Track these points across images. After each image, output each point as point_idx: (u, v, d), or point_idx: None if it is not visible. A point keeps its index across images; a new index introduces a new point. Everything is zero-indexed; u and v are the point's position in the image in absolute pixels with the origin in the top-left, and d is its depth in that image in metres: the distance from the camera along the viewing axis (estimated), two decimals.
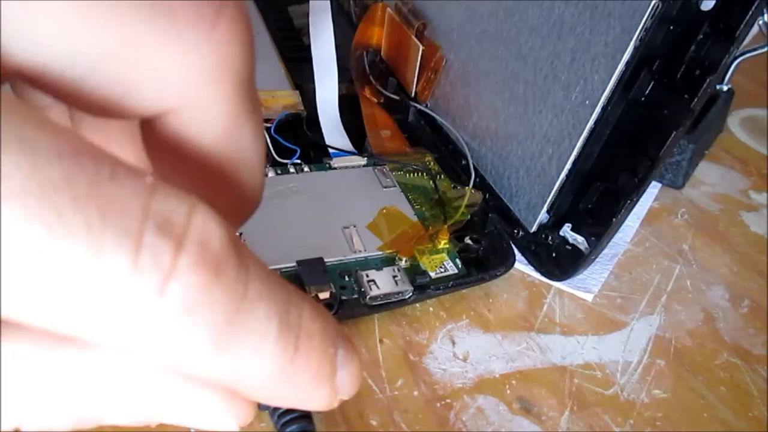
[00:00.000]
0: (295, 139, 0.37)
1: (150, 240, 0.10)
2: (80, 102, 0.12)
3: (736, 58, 0.44)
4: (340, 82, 0.42)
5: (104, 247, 0.10)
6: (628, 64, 0.28)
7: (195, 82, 0.12)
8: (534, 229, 0.33)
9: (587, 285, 0.33)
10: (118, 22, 0.11)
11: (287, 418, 0.23)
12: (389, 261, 0.30)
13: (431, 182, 0.35)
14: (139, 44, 0.11)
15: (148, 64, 0.12)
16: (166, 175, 0.14)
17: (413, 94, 0.42)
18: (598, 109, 0.29)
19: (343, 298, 0.28)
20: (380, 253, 0.30)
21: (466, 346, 0.29)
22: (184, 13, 0.12)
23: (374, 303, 0.28)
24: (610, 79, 0.28)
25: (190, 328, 0.11)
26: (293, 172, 0.34)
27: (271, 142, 0.36)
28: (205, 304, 0.11)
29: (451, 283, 0.30)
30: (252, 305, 0.12)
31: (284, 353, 0.13)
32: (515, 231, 0.34)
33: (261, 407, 0.24)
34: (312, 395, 0.14)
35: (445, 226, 0.32)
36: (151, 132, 0.13)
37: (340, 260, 0.30)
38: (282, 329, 0.13)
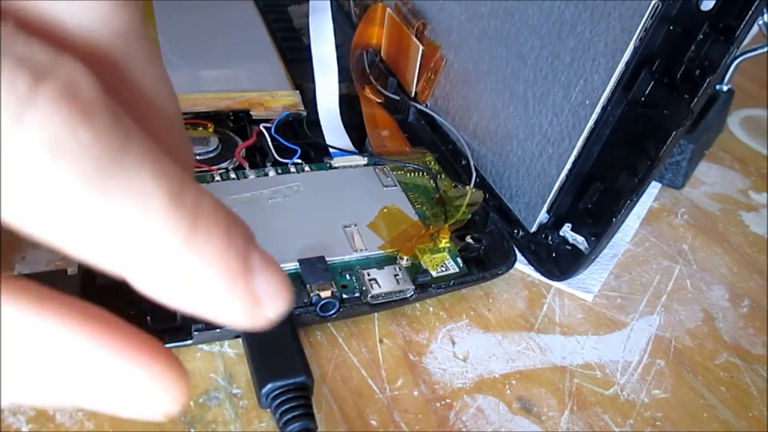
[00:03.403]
0: (295, 139, 0.37)
1: (8, 67, 0.10)
2: None
3: (736, 58, 0.45)
4: (340, 82, 0.42)
5: None
6: (628, 64, 0.28)
7: None
8: (534, 229, 0.33)
9: (587, 285, 0.33)
10: None
11: (289, 416, 0.23)
12: (390, 260, 0.30)
13: (432, 182, 0.36)
14: None
15: None
16: None
17: (413, 94, 0.42)
18: (598, 109, 0.29)
19: (345, 296, 0.28)
20: (381, 252, 0.30)
21: (466, 346, 0.29)
22: None
23: (376, 302, 0.28)
24: (610, 79, 0.28)
25: (57, 170, 0.11)
26: (294, 172, 0.34)
27: (272, 141, 0.36)
28: (70, 144, 0.11)
29: (453, 281, 0.30)
30: (132, 164, 0.12)
31: (179, 223, 0.12)
32: (515, 231, 0.34)
33: (263, 404, 0.24)
34: (227, 294, 0.14)
35: (446, 225, 0.32)
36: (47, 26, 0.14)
37: (342, 259, 0.30)
38: (173, 200, 0.12)
